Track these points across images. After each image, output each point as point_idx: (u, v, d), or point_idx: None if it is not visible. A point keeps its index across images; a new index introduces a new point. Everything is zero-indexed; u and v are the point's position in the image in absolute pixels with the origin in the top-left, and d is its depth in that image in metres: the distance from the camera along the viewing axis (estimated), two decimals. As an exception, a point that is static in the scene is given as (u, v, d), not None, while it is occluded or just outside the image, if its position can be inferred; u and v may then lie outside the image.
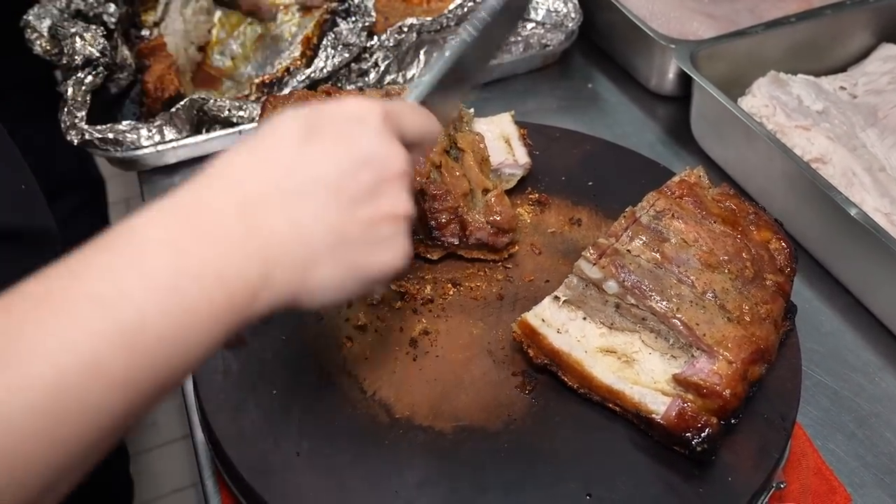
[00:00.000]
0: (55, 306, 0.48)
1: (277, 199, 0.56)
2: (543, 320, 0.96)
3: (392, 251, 0.62)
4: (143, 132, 1.38)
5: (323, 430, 0.92)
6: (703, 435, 0.86)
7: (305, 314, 0.74)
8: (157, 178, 1.43)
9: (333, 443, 0.91)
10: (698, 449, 0.86)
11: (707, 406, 0.87)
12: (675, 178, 1.05)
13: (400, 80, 1.54)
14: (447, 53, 0.78)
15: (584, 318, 0.97)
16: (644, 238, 0.95)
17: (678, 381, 0.89)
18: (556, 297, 0.98)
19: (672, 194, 1.02)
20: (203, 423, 0.95)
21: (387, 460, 0.90)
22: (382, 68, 1.51)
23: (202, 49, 1.58)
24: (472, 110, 1.21)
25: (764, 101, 1.35)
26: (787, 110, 1.33)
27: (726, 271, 0.94)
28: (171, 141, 1.40)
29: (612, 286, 0.93)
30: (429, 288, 1.09)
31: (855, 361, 1.16)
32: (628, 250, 0.94)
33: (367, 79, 1.51)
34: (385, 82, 1.52)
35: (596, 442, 0.92)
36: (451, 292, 1.09)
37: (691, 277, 0.92)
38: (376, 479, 0.88)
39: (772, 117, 1.33)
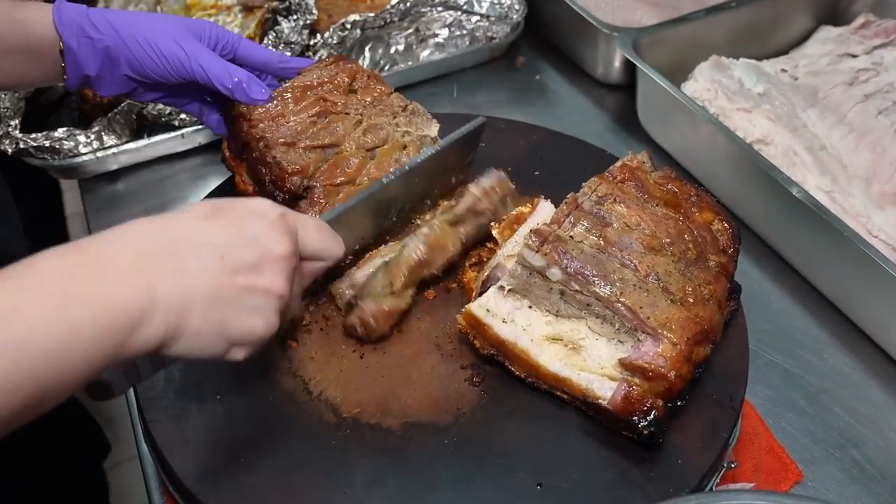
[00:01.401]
0: None
1: (169, 252, 0.65)
2: (488, 310, 0.94)
3: (259, 321, 0.70)
4: (81, 139, 1.35)
5: (268, 433, 0.90)
6: (649, 418, 0.86)
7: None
8: (99, 185, 1.39)
9: (279, 446, 0.89)
10: (645, 432, 0.86)
11: (653, 389, 0.87)
12: (618, 163, 1.05)
13: (346, 77, 1.52)
14: (368, 190, 0.97)
15: (530, 307, 0.96)
16: (586, 223, 0.95)
17: (624, 365, 0.89)
18: (501, 287, 0.96)
19: (614, 179, 1.01)
20: (145, 433, 0.93)
21: (334, 460, 0.88)
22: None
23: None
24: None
25: (706, 85, 1.36)
26: (728, 93, 1.34)
27: (669, 254, 0.94)
28: (110, 147, 1.36)
29: (555, 273, 0.91)
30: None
31: (804, 339, 1.17)
32: (570, 236, 0.93)
33: (311, 77, 1.48)
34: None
35: (545, 431, 0.91)
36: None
37: (634, 261, 0.92)
38: (324, 481, 0.86)
39: (714, 101, 1.34)
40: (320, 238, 0.79)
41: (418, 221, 1.09)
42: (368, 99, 1.14)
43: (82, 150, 1.36)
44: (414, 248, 1.01)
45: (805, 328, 1.18)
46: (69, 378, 0.58)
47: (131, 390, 1.00)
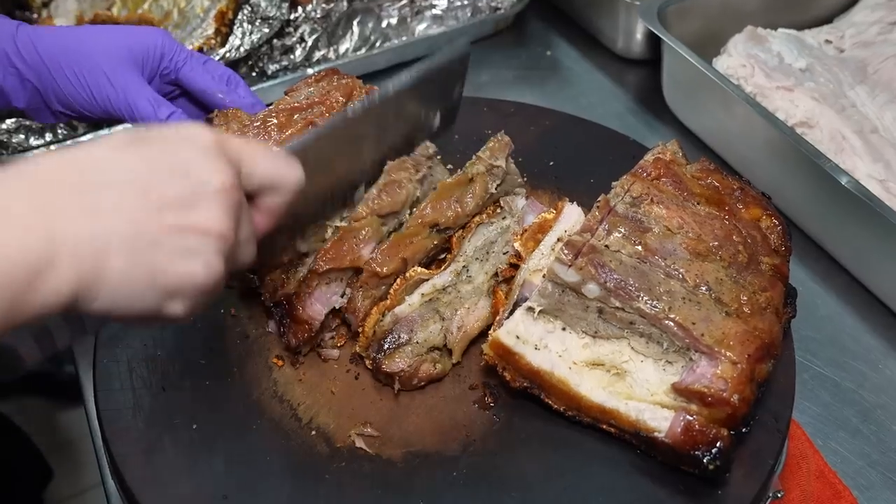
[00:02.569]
0: None
1: (76, 186, 0.60)
2: (518, 337, 0.91)
3: (197, 265, 0.65)
4: (32, 131, 1.33)
5: (253, 467, 0.89)
6: (713, 451, 0.83)
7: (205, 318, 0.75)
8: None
9: (266, 480, 0.88)
10: (711, 467, 0.83)
11: (714, 416, 0.84)
12: (649, 157, 1.03)
13: (332, 55, 1.51)
14: (331, 122, 0.90)
15: (564, 329, 0.93)
16: (623, 230, 0.92)
17: (678, 390, 0.86)
18: (530, 308, 0.93)
19: (648, 176, 0.99)
20: (112, 468, 0.91)
21: (328, 498, 0.87)
22: (310, 43, 1.47)
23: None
24: (522, 201, 1.09)
25: (741, 60, 1.35)
26: (767, 70, 1.33)
27: (718, 259, 0.92)
28: (65, 139, 1.34)
29: (592, 289, 0.89)
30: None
31: (856, 348, 1.16)
32: (606, 245, 0.91)
33: (292, 56, 1.47)
34: (314, 59, 1.48)
35: (566, 461, 0.90)
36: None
37: (680, 270, 0.89)
38: (317, 521, 0.85)
39: (750, 78, 1.33)
40: (271, 165, 0.73)
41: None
42: (342, 97, 1.07)
43: (33, 143, 1.34)
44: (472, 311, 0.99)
45: (857, 335, 1.17)
46: None
47: (94, 418, 0.99)
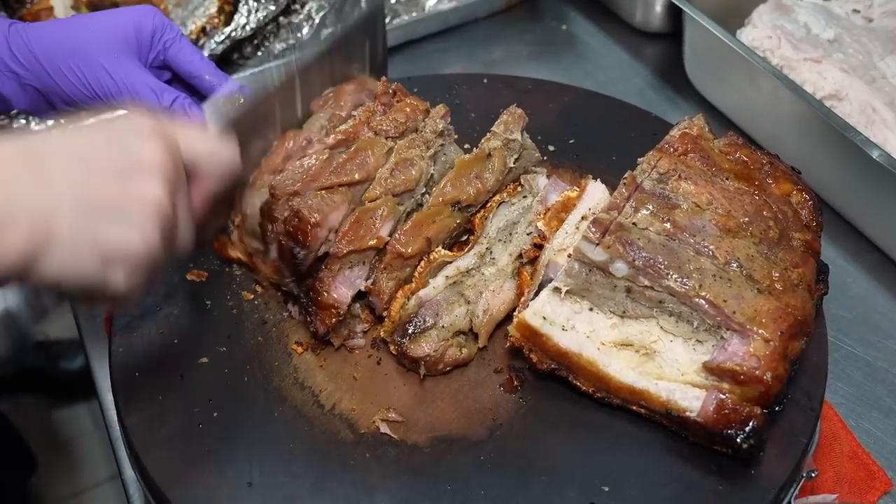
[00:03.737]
0: None
1: (29, 163, 0.70)
2: (545, 318, 0.95)
3: (133, 233, 0.73)
4: (34, 118, 1.36)
5: (276, 454, 0.92)
6: (747, 429, 0.86)
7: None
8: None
9: (290, 468, 0.91)
10: (745, 446, 0.86)
11: (747, 394, 0.87)
12: (675, 132, 1.06)
13: (339, 30, 1.53)
14: (254, 97, 0.99)
15: (591, 309, 0.97)
16: (651, 207, 0.95)
17: (710, 369, 0.89)
18: (557, 289, 0.97)
19: (675, 151, 1.02)
20: (133, 459, 0.95)
21: (354, 484, 0.90)
22: (318, 21, 1.50)
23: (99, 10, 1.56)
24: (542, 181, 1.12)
25: (767, 31, 1.37)
26: (793, 41, 1.35)
27: (749, 235, 0.94)
28: (68, 126, 1.37)
29: (620, 268, 0.92)
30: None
31: (888, 327, 1.19)
32: (634, 223, 0.94)
33: (300, 34, 1.49)
34: (322, 36, 1.51)
35: (596, 442, 0.94)
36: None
37: (710, 247, 0.92)
38: (343, 507, 0.89)
39: (776, 50, 1.35)
40: (208, 144, 0.82)
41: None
42: (402, 119, 1.10)
43: (35, 127, 1.37)
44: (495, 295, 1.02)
45: (889, 314, 1.21)
46: None
47: (112, 409, 1.03)
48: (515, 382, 0.99)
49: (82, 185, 0.71)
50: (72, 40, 1.03)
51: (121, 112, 0.79)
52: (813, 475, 0.97)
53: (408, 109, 1.11)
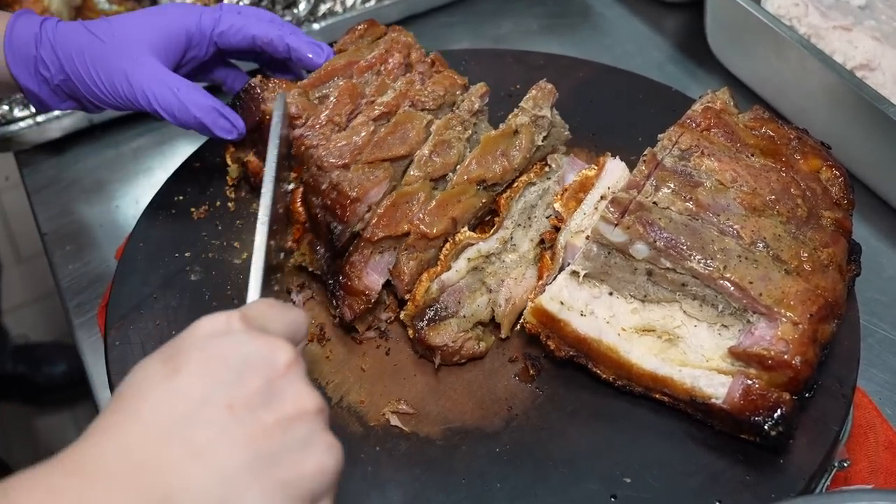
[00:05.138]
0: None
1: (167, 434, 0.60)
2: (562, 303, 0.98)
3: (319, 452, 0.64)
4: (17, 103, 1.40)
5: (282, 449, 0.96)
6: (775, 415, 0.89)
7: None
8: (39, 158, 1.45)
9: (296, 464, 0.95)
10: (773, 433, 0.89)
11: (775, 380, 0.90)
12: (697, 106, 1.08)
13: (339, 8, 1.57)
14: (259, 241, 0.90)
15: (611, 294, 1.00)
16: (672, 185, 0.98)
17: (736, 354, 0.92)
18: (574, 273, 1.00)
19: (697, 126, 1.05)
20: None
21: (364, 478, 0.94)
22: (315, -4, 1.53)
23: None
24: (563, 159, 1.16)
25: (793, -2, 1.40)
26: (822, 8, 1.38)
27: (775, 213, 0.97)
28: (52, 110, 1.41)
29: (640, 249, 0.95)
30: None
31: (926, 310, 1.22)
32: (655, 202, 0.97)
33: (296, 10, 1.53)
34: (320, 12, 1.54)
35: (616, 433, 0.97)
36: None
37: (735, 226, 0.95)
38: (354, 503, 0.92)
39: (804, 18, 1.38)
40: (286, 318, 0.73)
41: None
42: (440, 91, 1.14)
43: (18, 114, 1.41)
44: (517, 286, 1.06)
45: (927, 296, 1.23)
46: None
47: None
48: (531, 371, 1.02)
49: (239, 433, 0.61)
50: (92, 45, 1.05)
51: (189, 331, 0.67)
52: (845, 465, 0.99)
53: (447, 83, 1.15)
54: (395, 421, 0.98)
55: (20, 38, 1.06)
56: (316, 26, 1.53)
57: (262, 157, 1.09)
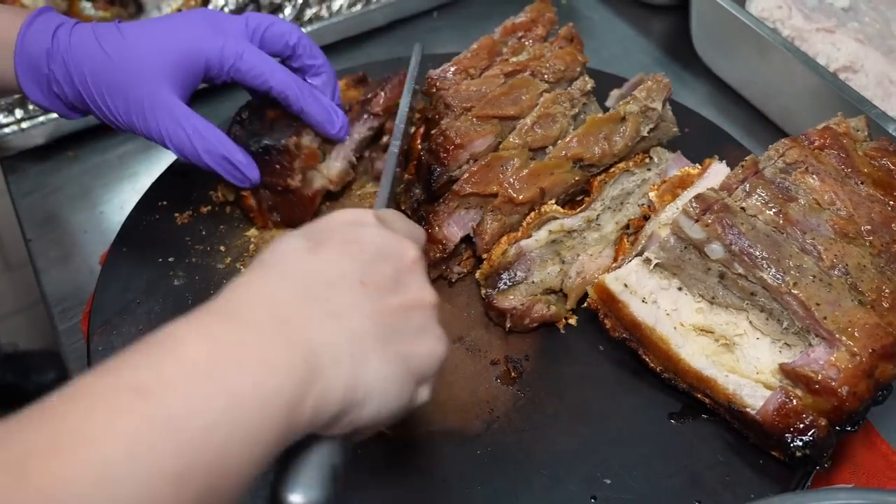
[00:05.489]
0: (97, 397, 0.56)
1: (310, 296, 0.67)
2: (626, 286, 1.01)
3: (431, 339, 0.74)
4: (0, 109, 1.41)
5: (264, 452, 0.97)
6: (805, 438, 0.89)
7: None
8: (25, 165, 1.46)
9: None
10: (798, 454, 0.90)
11: (818, 405, 0.90)
12: (820, 126, 1.08)
13: (324, 13, 1.59)
14: (389, 165, 1.04)
15: (680, 289, 1.02)
16: (765, 194, 0.98)
17: (786, 371, 0.93)
18: (647, 260, 1.02)
19: (810, 144, 1.05)
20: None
21: (345, 482, 0.95)
22: (301, 1, 1.55)
23: (67, -5, 1.61)
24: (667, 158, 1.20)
25: (777, 1, 1.41)
26: (805, 10, 1.40)
27: (866, 244, 0.97)
28: (37, 115, 1.43)
29: (716, 250, 0.96)
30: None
31: None
32: (742, 207, 0.98)
33: (282, 15, 1.55)
34: (306, 17, 1.56)
35: (597, 434, 0.99)
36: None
37: (819, 247, 0.95)
38: (335, 505, 0.94)
39: (787, 21, 1.40)
40: (409, 228, 0.82)
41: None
42: (561, 66, 1.19)
43: (2, 120, 1.42)
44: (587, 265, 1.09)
45: None
46: (242, 460, 0.59)
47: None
48: (513, 374, 1.04)
49: (372, 309, 0.69)
50: (104, 64, 1.02)
51: (331, 218, 0.76)
52: (826, 465, 1.01)
53: (568, 59, 1.20)
54: (376, 424, 1.00)
55: (31, 56, 1.03)
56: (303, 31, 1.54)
57: (259, 198, 1.17)
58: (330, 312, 0.67)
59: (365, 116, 1.24)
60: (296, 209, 1.19)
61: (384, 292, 0.71)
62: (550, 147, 1.14)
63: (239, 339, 0.62)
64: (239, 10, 1.50)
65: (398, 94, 1.22)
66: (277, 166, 1.14)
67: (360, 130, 1.24)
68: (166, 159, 1.38)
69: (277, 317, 0.65)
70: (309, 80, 1.14)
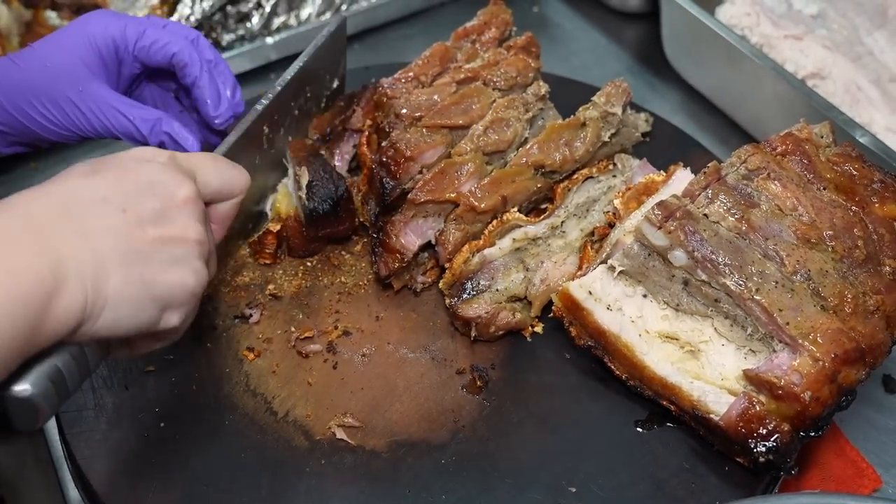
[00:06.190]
0: None
1: (64, 212, 0.74)
2: (591, 293, 1.03)
3: (187, 273, 0.81)
4: None
5: (228, 465, 0.99)
6: (768, 444, 0.91)
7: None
8: (4, 171, 1.48)
9: (242, 478, 0.98)
10: (762, 459, 0.92)
11: (781, 410, 0.92)
12: (782, 132, 1.10)
13: (293, 21, 1.61)
14: (246, 120, 1.11)
15: (645, 296, 1.04)
16: (727, 201, 1.00)
17: (749, 377, 0.95)
18: (612, 267, 1.04)
19: (773, 150, 1.07)
20: (75, 475, 1.01)
21: (309, 492, 0.97)
22: (268, 9, 1.57)
23: (32, 4, 1.62)
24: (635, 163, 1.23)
25: (745, 8, 1.45)
26: (773, 17, 1.43)
27: (829, 249, 0.98)
28: None
29: (679, 256, 0.98)
30: (344, 277, 1.18)
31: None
32: (705, 214, 1.00)
33: (249, 24, 1.57)
34: (273, 27, 1.59)
35: (563, 442, 1.01)
36: (373, 279, 1.17)
37: (781, 253, 0.97)
38: (298, 517, 0.96)
39: (756, 28, 1.43)
40: (221, 172, 0.90)
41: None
42: (513, 73, 1.22)
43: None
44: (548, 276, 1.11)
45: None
46: None
47: (52, 425, 1.09)
48: (479, 383, 1.06)
49: (125, 232, 0.76)
50: (30, 79, 1.06)
51: (131, 151, 0.84)
52: (793, 472, 1.03)
53: (520, 65, 1.22)
54: (340, 434, 1.02)
55: None
56: (270, 40, 1.57)
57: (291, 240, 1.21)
58: (81, 230, 0.74)
59: (347, 135, 1.27)
60: (312, 243, 1.21)
61: (144, 222, 0.78)
62: (512, 154, 1.16)
63: None
64: (205, 19, 1.52)
65: (374, 108, 1.25)
66: (343, 214, 1.17)
67: (346, 149, 1.27)
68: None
69: (29, 229, 0.71)
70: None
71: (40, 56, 1.07)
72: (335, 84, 1.34)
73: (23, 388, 0.75)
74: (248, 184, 0.93)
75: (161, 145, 1.09)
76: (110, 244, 0.75)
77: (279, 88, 1.16)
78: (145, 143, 1.09)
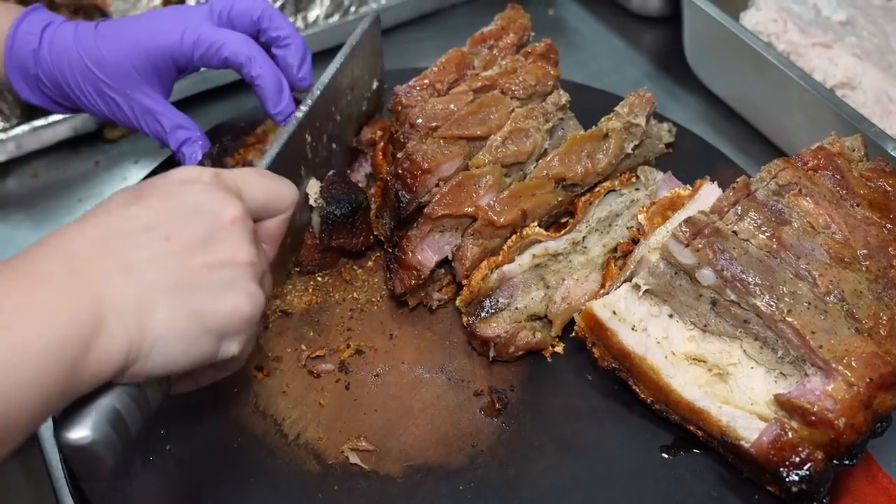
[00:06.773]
0: None
1: (106, 249, 0.73)
2: (615, 312, 1.01)
3: (240, 297, 0.78)
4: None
5: (236, 490, 0.97)
6: (800, 472, 0.90)
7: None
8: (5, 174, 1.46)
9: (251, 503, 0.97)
10: (794, 489, 0.91)
11: (814, 438, 0.91)
12: (814, 145, 1.09)
13: (300, 24, 1.60)
14: (289, 129, 1.09)
15: (671, 316, 1.02)
16: (757, 217, 0.99)
17: (780, 402, 0.93)
18: (637, 286, 1.02)
19: (804, 165, 1.06)
20: (75, 495, 1.00)
21: (321, 519, 0.96)
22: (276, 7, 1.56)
23: (29, 4, 1.61)
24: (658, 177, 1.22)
25: (772, 14, 1.44)
26: (801, 24, 1.42)
27: (863, 269, 0.97)
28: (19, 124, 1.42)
29: (707, 276, 0.97)
30: (356, 292, 1.16)
31: None
32: (734, 231, 0.98)
33: (255, 27, 1.55)
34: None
35: (585, 469, 1.00)
36: (386, 295, 1.16)
37: (814, 273, 0.96)
38: (310, 545, 0.94)
39: (783, 35, 1.42)
40: (267, 186, 0.88)
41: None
42: (532, 81, 1.20)
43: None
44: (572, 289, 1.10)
45: None
46: (24, 409, 0.65)
47: (53, 447, 1.08)
48: (497, 405, 1.05)
49: (170, 264, 0.74)
50: (89, 65, 1.10)
51: (172, 173, 0.82)
52: (825, 501, 1.02)
53: (539, 73, 1.21)
54: (354, 459, 1.00)
55: (20, 57, 1.11)
56: (277, 43, 1.55)
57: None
58: (123, 265, 0.72)
59: (361, 157, 1.27)
60: (324, 255, 1.20)
61: (190, 249, 0.76)
62: (531, 166, 1.14)
63: (29, 293, 0.68)
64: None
65: (380, 118, 1.24)
66: (360, 225, 1.16)
67: (366, 167, 1.26)
68: (131, 178, 1.38)
69: (67, 269, 0.70)
70: (276, 52, 1.16)
71: (97, 51, 1.10)
72: (374, 84, 1.31)
73: (81, 434, 0.73)
74: (297, 197, 0.91)
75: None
76: (154, 277, 0.73)
77: (317, 93, 1.14)
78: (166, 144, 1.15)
